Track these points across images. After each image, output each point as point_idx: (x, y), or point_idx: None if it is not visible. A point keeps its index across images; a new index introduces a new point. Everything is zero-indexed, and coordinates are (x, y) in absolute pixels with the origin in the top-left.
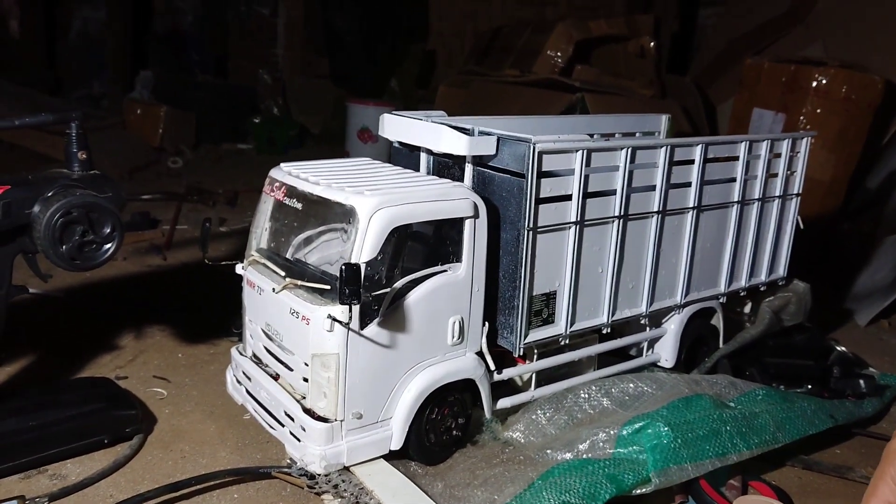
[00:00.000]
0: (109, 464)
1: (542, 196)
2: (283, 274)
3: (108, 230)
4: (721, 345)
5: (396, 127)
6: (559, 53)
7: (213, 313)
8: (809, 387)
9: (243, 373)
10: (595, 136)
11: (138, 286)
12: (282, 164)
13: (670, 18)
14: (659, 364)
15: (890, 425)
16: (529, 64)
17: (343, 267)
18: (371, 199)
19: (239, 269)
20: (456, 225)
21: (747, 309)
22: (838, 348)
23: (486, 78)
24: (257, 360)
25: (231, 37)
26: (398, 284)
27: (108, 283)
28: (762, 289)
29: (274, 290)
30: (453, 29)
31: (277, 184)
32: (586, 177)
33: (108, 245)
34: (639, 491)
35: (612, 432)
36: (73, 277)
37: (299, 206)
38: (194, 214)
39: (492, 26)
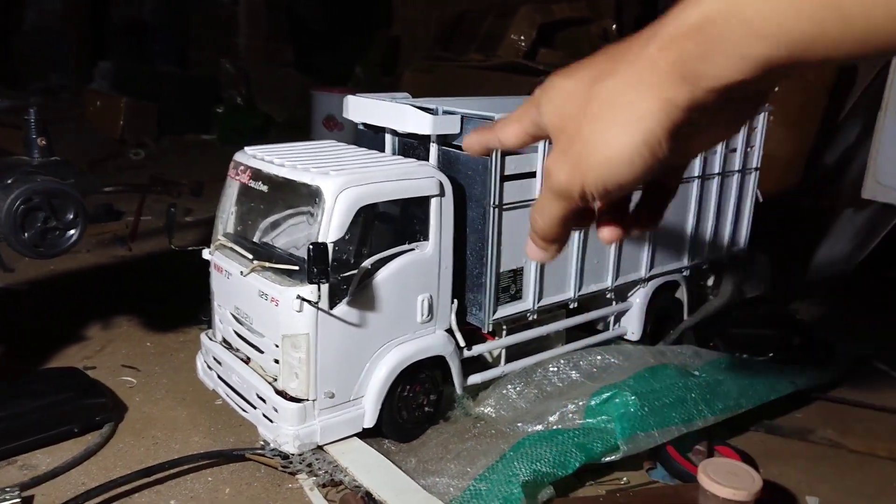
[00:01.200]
0: (80, 452)
1: (506, 174)
2: (250, 257)
3: (71, 216)
4: (686, 317)
5: (361, 108)
6: (523, 37)
7: (181, 302)
8: (772, 355)
9: (214, 358)
10: None
11: (104, 277)
12: (246, 148)
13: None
14: (625, 337)
15: (847, 389)
16: (494, 48)
17: (311, 246)
18: (337, 179)
19: (206, 253)
20: (422, 203)
21: (710, 282)
22: (798, 318)
23: (452, 63)
24: (227, 345)
25: (192, 26)
26: (366, 264)
27: (72, 276)
28: (724, 262)
29: (242, 273)
30: (417, 15)
31: (242, 167)
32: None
33: (72, 231)
34: (608, 458)
35: (580, 403)
36: (37, 271)
37: (265, 188)
38: (158, 205)
39: (456, 11)
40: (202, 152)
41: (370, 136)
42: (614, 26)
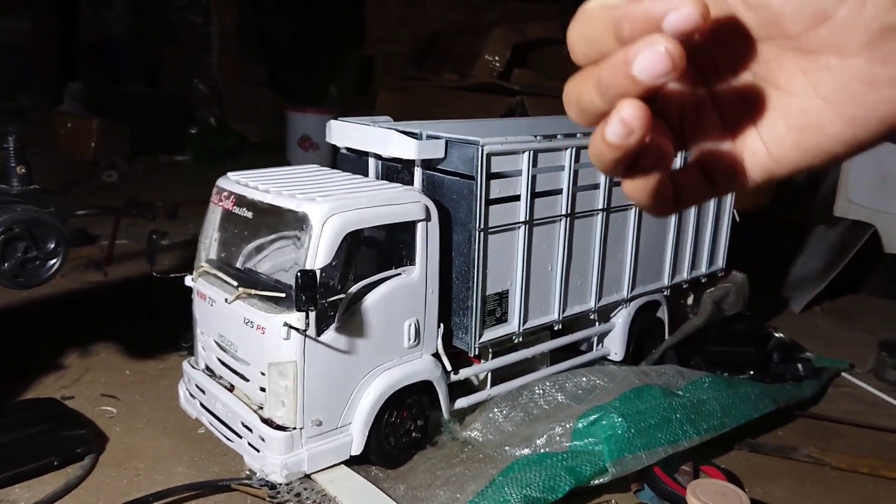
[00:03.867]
0: (61, 486)
1: (491, 197)
2: (235, 284)
3: (52, 245)
4: (667, 336)
5: (344, 133)
6: (497, 57)
7: (159, 328)
8: (752, 373)
9: (196, 386)
10: (538, 138)
11: (80, 303)
12: (229, 174)
13: None
14: (608, 357)
15: (827, 405)
16: (468, 68)
17: (298, 274)
18: (323, 206)
19: (189, 280)
20: (408, 228)
21: (690, 301)
22: (776, 335)
23: (426, 83)
24: (211, 373)
25: (162, 45)
26: (353, 289)
27: (47, 302)
28: (703, 280)
29: (227, 300)
30: (390, 34)
31: (226, 193)
32: (534, 177)
33: (53, 261)
34: (597, 481)
35: (567, 426)
36: (10, 297)
37: (249, 214)
38: (133, 229)
39: (428, 31)
40: (175, 173)
41: (353, 161)
42: None
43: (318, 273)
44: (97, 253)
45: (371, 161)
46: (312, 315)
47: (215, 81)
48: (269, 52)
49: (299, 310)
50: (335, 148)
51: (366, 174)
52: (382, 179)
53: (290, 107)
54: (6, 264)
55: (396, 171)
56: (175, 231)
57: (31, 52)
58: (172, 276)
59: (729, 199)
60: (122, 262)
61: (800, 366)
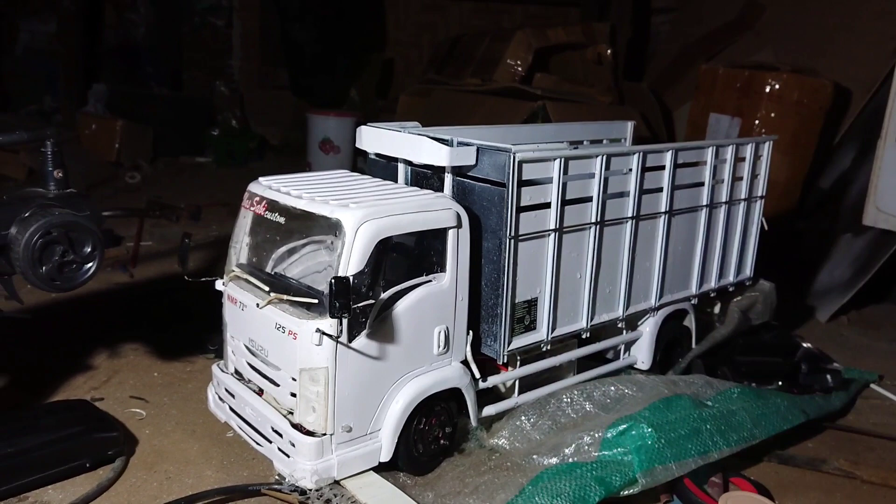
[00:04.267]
0: (93, 488)
1: (522, 205)
2: (266, 289)
3: (89, 249)
4: (694, 345)
5: (375, 138)
6: (519, 62)
7: (186, 330)
8: (780, 383)
9: (226, 390)
10: (564, 144)
11: (107, 305)
12: (260, 179)
13: (625, 25)
14: (635, 366)
15: (856, 417)
16: (489, 72)
17: (332, 280)
18: (357, 212)
19: (219, 284)
20: (439, 235)
21: (717, 309)
22: (804, 345)
23: (447, 87)
24: (240, 377)
25: (185, 48)
26: (385, 296)
27: (75, 303)
28: (731, 289)
29: (258, 305)
30: (410, 38)
31: (257, 198)
32: (564, 184)
33: (90, 264)
34: (626, 492)
35: (596, 435)
36: (39, 298)
37: (281, 220)
38: (157, 230)
39: (449, 35)
40: (197, 175)
41: (382, 166)
42: (609, 51)
43: (351, 280)
44: (123, 254)
45: (401, 167)
46: (345, 321)
47: (237, 84)
48: (291, 55)
49: (332, 316)
50: (356, 151)
51: (395, 180)
52: (412, 185)
53: (311, 110)
54: (44, 268)
55: (426, 177)
56: (198, 232)
57: (57, 55)
58: (203, 279)
59: (758, 208)
60: (147, 263)
61: (828, 377)
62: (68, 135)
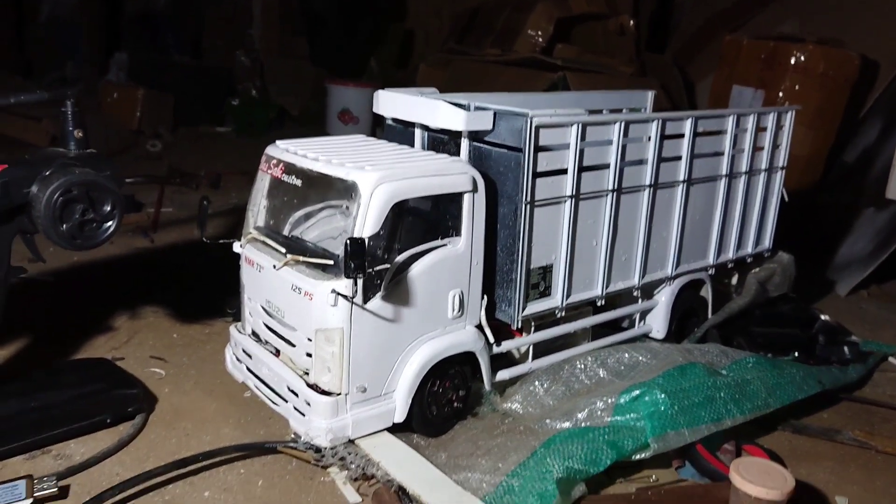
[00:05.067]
0: (114, 443)
1: (538, 170)
2: (283, 251)
3: (109, 208)
4: (710, 315)
5: (392, 103)
6: (540, 32)
7: (205, 293)
8: (796, 354)
9: (243, 350)
10: (582, 111)
11: (128, 268)
12: (278, 142)
13: None
14: (650, 335)
15: (872, 390)
16: (510, 43)
17: (348, 241)
18: (373, 175)
19: (237, 247)
20: (455, 199)
21: (734, 280)
22: (822, 317)
23: (467, 57)
24: (257, 338)
25: (206, 17)
26: (400, 258)
27: (96, 267)
28: (749, 260)
29: (275, 266)
30: (431, 8)
31: (275, 161)
32: (581, 151)
33: (109, 223)
34: (638, 456)
35: (609, 401)
36: (62, 261)
37: (298, 182)
38: (178, 197)
39: (469, 5)
40: (217, 144)
41: (399, 132)
42: (632, 22)
43: (366, 241)
44: (144, 220)
45: (417, 132)
46: (360, 283)
47: (257, 54)
48: (311, 25)
49: (347, 277)
50: (375, 121)
51: (412, 145)
52: (429, 150)
53: (330, 80)
54: (65, 225)
55: (443, 142)
56: (218, 200)
57: (79, 23)
58: (221, 242)
59: (779, 179)
60: (168, 229)
61: (846, 349)
62: (89, 102)
